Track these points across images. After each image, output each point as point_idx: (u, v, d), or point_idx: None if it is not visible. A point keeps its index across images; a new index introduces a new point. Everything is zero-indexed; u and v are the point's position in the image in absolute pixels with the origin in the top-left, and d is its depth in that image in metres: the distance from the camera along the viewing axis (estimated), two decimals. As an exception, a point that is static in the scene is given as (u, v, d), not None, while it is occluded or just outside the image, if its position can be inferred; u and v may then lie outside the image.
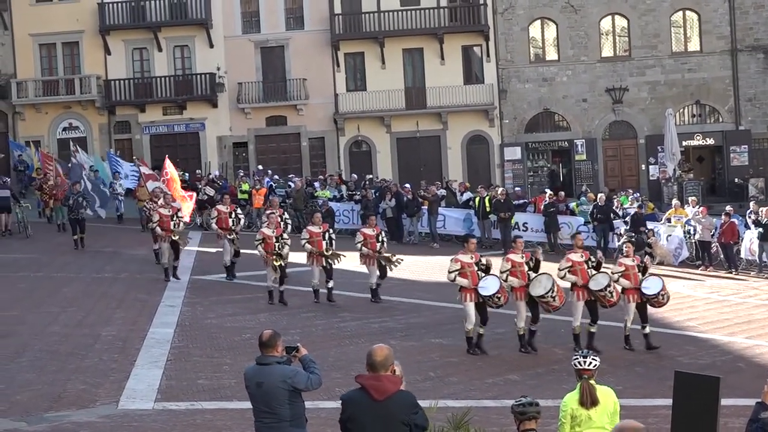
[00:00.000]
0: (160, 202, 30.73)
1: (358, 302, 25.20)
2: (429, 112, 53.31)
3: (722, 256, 34.06)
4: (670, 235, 35.33)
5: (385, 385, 8.59)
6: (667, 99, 52.37)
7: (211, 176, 45.97)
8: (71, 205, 35.61)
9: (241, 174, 47.33)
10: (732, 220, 33.51)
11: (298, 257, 26.91)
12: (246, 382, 10.32)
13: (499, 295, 20.44)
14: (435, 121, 53.54)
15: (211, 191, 41.64)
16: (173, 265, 28.97)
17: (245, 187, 43.21)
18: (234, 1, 53.78)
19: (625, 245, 23.37)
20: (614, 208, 37.90)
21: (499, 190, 39.65)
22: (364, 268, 26.41)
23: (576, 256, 21.64)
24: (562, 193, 41.35)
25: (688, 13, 53.38)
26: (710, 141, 53.46)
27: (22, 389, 16.90)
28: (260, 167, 48.81)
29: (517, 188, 45.22)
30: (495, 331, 22.87)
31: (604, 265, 22.07)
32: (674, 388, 10.50)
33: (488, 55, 53.32)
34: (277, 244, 25.23)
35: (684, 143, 49.67)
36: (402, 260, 26.38)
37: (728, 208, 35.18)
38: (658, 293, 21.60)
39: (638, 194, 43.38)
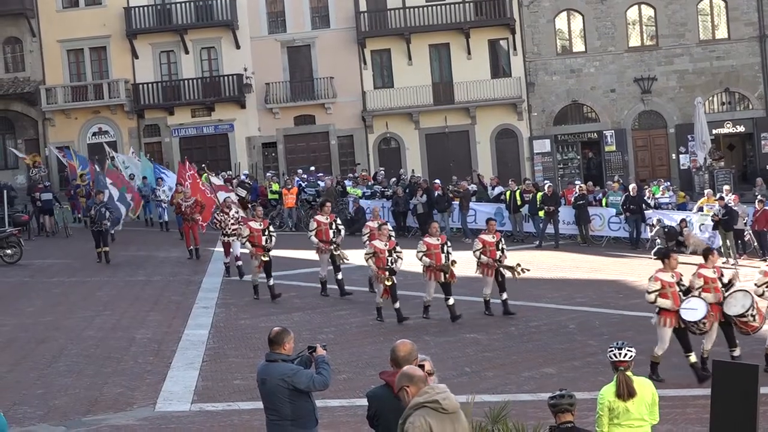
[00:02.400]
0: (232, 212, 29.50)
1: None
2: (457, 107, 53.24)
3: (756, 243, 33.84)
4: (702, 224, 35.12)
5: None
6: (696, 87, 52.07)
7: (241, 177, 46.02)
8: (93, 216, 33.06)
9: (271, 174, 47.37)
10: (765, 207, 33.28)
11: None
12: (256, 378, 10.35)
13: (705, 321, 17.75)
14: (463, 116, 53.46)
15: (242, 192, 41.77)
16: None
17: (275, 187, 43.31)
18: (259, 1, 53.88)
19: None
20: (646, 198, 37.75)
21: (547, 184, 39.55)
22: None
23: None
24: (590, 183, 41.23)
25: (714, 0, 53.05)
26: (740, 128, 53.12)
27: (60, 394, 17.01)
28: (312, 168, 48.58)
29: (546, 182, 44.94)
30: (529, 324, 22.87)
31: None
32: (713, 378, 10.48)
33: (515, 49, 53.19)
34: (389, 259, 22.98)
35: (714, 131, 49.41)
36: (528, 270, 24.32)
37: (760, 195, 34.95)
38: None
39: (669, 183, 43.24)
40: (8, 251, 32.99)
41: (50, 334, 22.02)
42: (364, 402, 8.92)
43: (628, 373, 10.51)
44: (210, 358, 19.65)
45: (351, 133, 54.07)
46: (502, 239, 24.29)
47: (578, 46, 53.80)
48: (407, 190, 40.77)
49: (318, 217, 26.41)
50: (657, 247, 34.07)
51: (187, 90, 53.90)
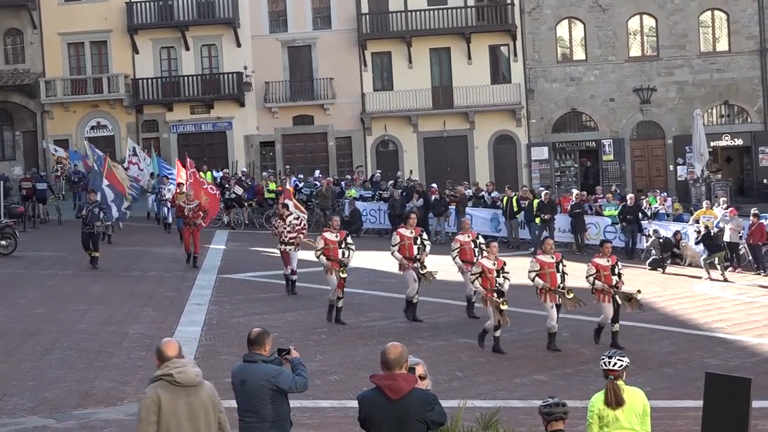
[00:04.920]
0: (290, 219, 26.72)
1: (385, 301, 25.09)
2: (456, 111, 53.25)
3: (750, 257, 33.87)
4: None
5: (399, 384, 8.52)
6: (695, 99, 52.14)
7: (239, 175, 45.95)
8: (85, 216, 30.66)
9: (268, 173, 47.33)
10: (761, 221, 33.32)
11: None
12: (232, 379, 10.21)
13: None
14: (462, 121, 53.48)
15: (239, 190, 41.78)
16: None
17: (272, 186, 43.28)
18: (261, 0, 53.90)
19: None
20: (643, 208, 37.76)
21: (543, 192, 39.48)
22: (392, 267, 25.33)
23: None
24: (584, 192, 41.23)
25: (716, 12, 53.11)
26: (738, 141, 53.19)
27: (51, 386, 16.97)
28: (318, 172, 48.57)
29: (542, 188, 44.86)
30: (522, 331, 22.83)
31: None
32: (705, 390, 10.44)
33: (515, 55, 53.23)
34: (497, 279, 20.83)
35: (712, 143, 49.39)
36: (642, 306, 22.40)
37: (754, 209, 34.90)
38: None
39: (665, 194, 43.23)
40: (3, 242, 32.97)
41: (43, 326, 21.99)
42: (356, 404, 8.90)
43: (619, 382, 10.48)
44: (202, 355, 19.59)
45: (349, 134, 54.09)
46: (619, 263, 22.13)
47: (579, 54, 53.84)
48: (404, 193, 40.75)
49: (401, 231, 23.55)
50: (652, 257, 34.11)
51: (187, 87, 53.93)
